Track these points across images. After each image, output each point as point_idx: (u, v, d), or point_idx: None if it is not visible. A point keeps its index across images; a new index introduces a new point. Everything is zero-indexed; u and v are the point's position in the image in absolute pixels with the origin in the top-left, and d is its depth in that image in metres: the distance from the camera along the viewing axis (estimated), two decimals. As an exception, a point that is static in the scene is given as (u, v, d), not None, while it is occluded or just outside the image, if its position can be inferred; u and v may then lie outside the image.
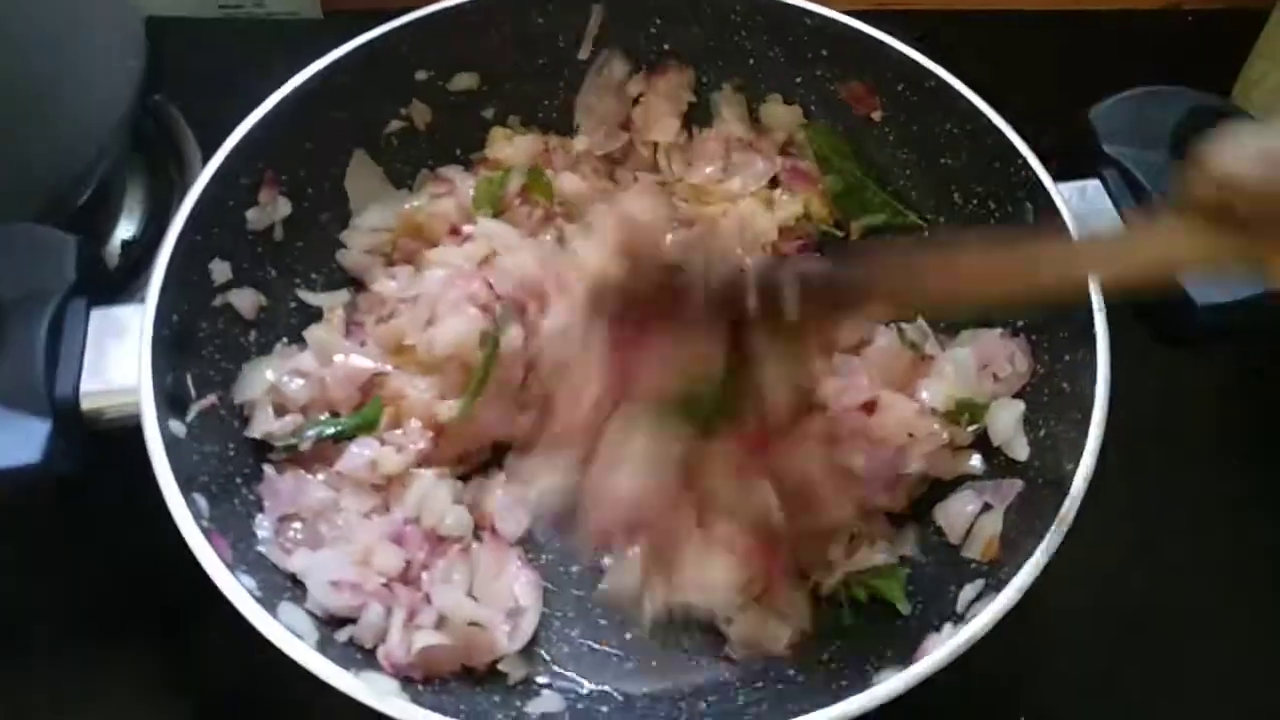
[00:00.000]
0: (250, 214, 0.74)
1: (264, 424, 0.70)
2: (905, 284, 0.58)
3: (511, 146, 0.83)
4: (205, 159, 0.72)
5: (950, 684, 0.62)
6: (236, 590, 0.56)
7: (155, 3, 1.03)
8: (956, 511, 0.69)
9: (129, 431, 0.61)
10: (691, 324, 0.56)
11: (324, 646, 0.59)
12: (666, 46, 0.83)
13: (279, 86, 0.74)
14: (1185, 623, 0.75)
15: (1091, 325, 0.63)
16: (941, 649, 0.54)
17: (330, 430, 0.71)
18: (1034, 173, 0.69)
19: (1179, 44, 1.03)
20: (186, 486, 0.60)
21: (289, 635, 0.56)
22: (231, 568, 0.58)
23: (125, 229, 0.92)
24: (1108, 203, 0.69)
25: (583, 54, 0.84)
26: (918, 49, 0.76)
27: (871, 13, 0.78)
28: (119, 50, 0.83)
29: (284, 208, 0.76)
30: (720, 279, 0.56)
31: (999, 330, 0.73)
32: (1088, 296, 0.63)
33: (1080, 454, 0.60)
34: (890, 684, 0.53)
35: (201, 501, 0.61)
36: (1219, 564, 0.77)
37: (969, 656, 0.55)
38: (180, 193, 0.92)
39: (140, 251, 0.89)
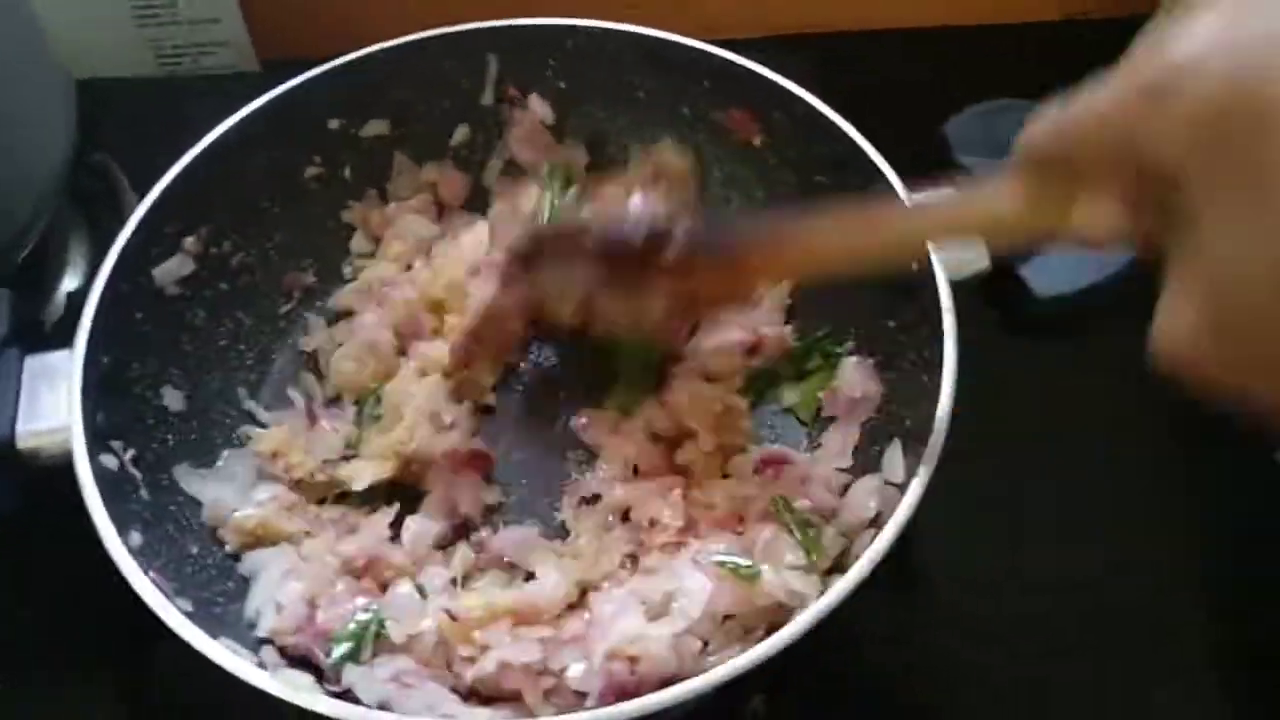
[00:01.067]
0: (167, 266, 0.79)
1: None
2: (772, 255, 0.67)
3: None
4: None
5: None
6: (170, 610, 0.61)
7: (96, 63, 1.09)
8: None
9: (67, 469, 0.66)
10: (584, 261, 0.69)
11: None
12: (562, 85, 0.89)
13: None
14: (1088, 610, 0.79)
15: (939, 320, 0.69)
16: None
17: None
18: (889, 183, 0.75)
19: (1081, 53, 1.05)
20: (119, 516, 0.65)
21: (227, 653, 0.60)
22: (165, 590, 0.63)
23: (70, 281, 0.97)
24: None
25: (486, 99, 0.90)
26: (789, 75, 0.82)
27: (759, 40, 0.84)
28: (49, 112, 0.89)
29: (188, 265, 0.80)
30: (612, 229, 0.68)
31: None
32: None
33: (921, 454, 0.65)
34: (753, 652, 0.58)
35: (135, 530, 0.66)
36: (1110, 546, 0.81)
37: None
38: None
39: (83, 302, 0.95)
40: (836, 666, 0.75)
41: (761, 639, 0.59)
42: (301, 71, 0.84)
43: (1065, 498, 0.82)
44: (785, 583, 0.67)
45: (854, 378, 0.79)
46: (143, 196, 0.78)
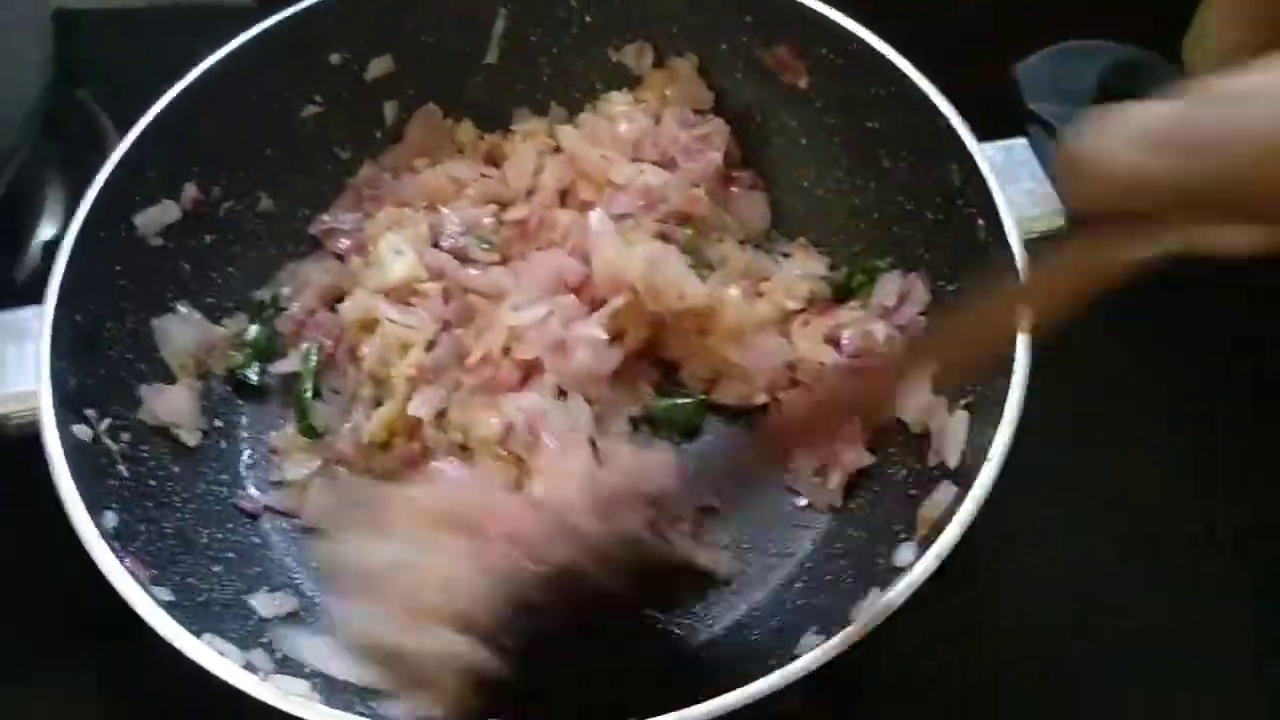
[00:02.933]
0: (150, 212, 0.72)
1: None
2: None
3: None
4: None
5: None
6: (147, 602, 0.54)
7: (74, -5, 1.01)
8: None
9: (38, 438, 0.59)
10: None
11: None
12: (588, 19, 0.81)
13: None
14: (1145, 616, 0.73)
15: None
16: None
17: None
18: (956, 133, 0.67)
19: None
20: (92, 493, 0.58)
21: (208, 650, 0.53)
22: (141, 578, 0.56)
23: (47, 230, 0.90)
24: (1033, 160, 0.68)
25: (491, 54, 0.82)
26: (840, 10, 0.74)
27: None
28: (23, 42, 0.81)
29: (172, 212, 0.73)
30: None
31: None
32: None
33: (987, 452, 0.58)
34: (813, 655, 0.52)
35: (110, 510, 0.60)
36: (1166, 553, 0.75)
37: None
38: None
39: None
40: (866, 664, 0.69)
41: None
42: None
43: (1139, 486, 0.76)
44: None
45: (888, 287, 0.73)
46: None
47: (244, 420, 0.76)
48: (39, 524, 0.58)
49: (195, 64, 0.73)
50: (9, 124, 0.77)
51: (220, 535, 0.68)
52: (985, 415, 0.61)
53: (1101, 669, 0.71)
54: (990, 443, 0.58)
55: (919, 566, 0.55)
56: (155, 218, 0.72)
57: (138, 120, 0.71)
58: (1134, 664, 0.70)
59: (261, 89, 0.76)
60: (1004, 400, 0.59)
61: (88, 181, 0.89)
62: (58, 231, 0.89)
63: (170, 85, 0.72)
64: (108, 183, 0.68)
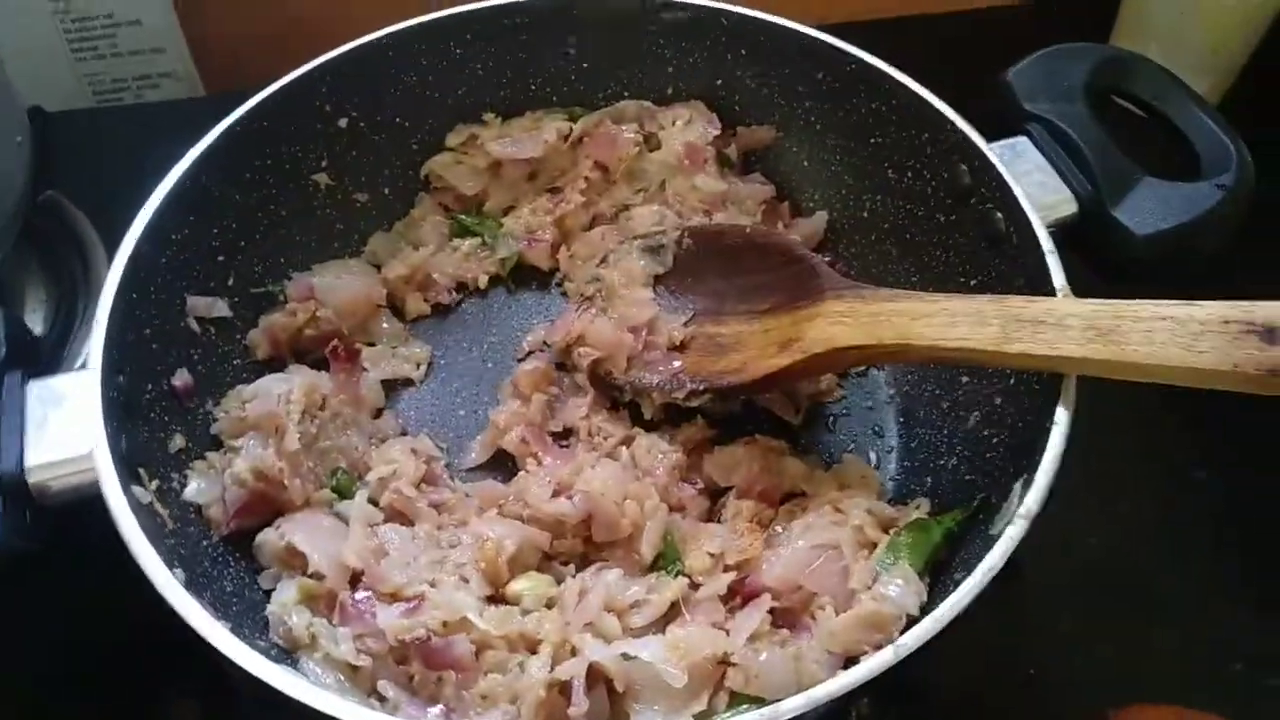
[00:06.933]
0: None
1: None
2: None
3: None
4: (108, 246, 0.68)
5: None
6: (241, 649, 0.52)
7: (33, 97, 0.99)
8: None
9: (80, 504, 0.57)
10: None
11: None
12: (585, 65, 0.83)
13: (173, 165, 0.72)
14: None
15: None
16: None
17: None
18: (963, 134, 0.71)
19: (1042, 32, 1.05)
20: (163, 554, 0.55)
21: (305, 684, 0.51)
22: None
23: (32, 327, 0.87)
24: (1038, 157, 0.71)
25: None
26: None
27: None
28: (3, 145, 0.79)
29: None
30: None
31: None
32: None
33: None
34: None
35: (178, 569, 0.57)
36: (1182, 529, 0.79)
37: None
38: (86, 285, 0.89)
39: (49, 349, 0.85)
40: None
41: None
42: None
43: (1176, 474, 0.78)
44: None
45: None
46: (105, 231, 0.71)
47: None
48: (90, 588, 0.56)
49: (162, 152, 0.72)
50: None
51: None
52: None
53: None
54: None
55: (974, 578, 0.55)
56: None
57: (115, 211, 0.70)
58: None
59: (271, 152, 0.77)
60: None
61: (69, 277, 0.87)
62: (43, 329, 0.87)
63: (140, 175, 0.71)
64: (135, 247, 0.66)
